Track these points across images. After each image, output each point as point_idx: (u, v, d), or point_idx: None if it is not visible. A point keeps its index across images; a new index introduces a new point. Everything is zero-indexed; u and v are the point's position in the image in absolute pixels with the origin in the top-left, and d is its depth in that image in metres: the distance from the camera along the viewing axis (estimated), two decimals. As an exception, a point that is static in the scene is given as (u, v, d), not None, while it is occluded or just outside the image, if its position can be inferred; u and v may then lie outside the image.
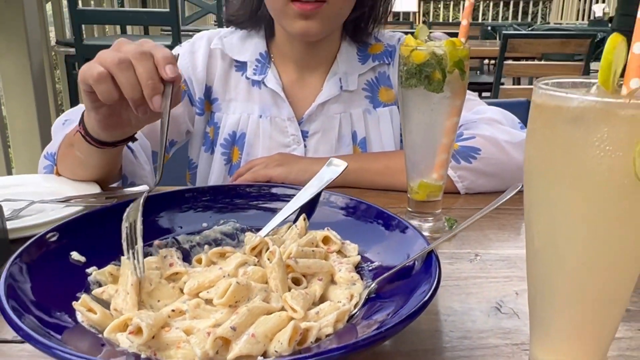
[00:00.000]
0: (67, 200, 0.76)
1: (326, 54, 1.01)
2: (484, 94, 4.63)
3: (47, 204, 0.76)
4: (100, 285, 0.50)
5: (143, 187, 0.79)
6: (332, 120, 1.00)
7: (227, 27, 1.03)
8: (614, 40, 0.36)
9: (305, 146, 0.99)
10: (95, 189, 0.82)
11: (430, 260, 0.48)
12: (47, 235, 0.53)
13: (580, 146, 0.31)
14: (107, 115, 0.69)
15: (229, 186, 0.66)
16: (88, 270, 0.52)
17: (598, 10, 7.61)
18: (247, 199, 0.65)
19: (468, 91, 1.00)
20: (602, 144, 0.31)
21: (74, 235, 0.55)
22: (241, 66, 1.01)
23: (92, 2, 2.93)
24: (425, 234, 0.73)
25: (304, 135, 1.00)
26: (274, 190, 0.66)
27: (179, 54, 0.76)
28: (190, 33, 3.66)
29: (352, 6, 0.95)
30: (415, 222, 0.74)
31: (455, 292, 0.59)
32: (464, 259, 0.67)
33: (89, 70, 0.62)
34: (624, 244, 0.33)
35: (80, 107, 0.89)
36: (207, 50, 1.01)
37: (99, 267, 0.53)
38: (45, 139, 2.25)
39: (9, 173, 2.15)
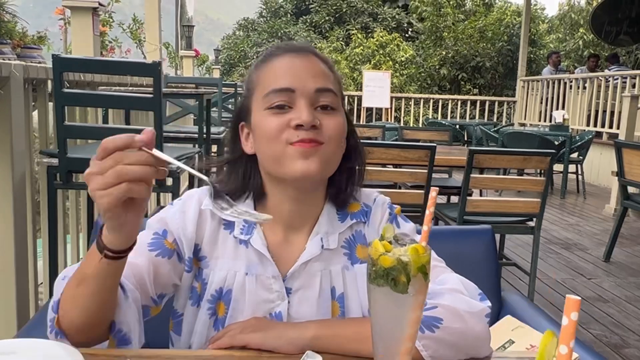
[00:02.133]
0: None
1: (311, 214, 1.09)
2: (452, 199, 4.82)
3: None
4: None
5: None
6: (314, 277, 1.07)
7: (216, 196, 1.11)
8: (547, 339, 0.44)
9: (288, 302, 1.04)
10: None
11: None
12: None
13: None
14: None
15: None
16: None
17: (558, 116, 8.09)
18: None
19: (435, 256, 1.10)
20: None
21: None
22: (229, 225, 1.08)
23: (78, 114, 3.04)
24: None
25: (288, 291, 1.05)
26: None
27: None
28: (171, 134, 3.79)
29: (340, 156, 1.05)
30: (382, 401, 0.80)
31: None
32: None
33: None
34: None
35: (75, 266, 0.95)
36: (197, 211, 1.07)
37: None
38: (20, 255, 2.27)
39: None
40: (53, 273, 2.47)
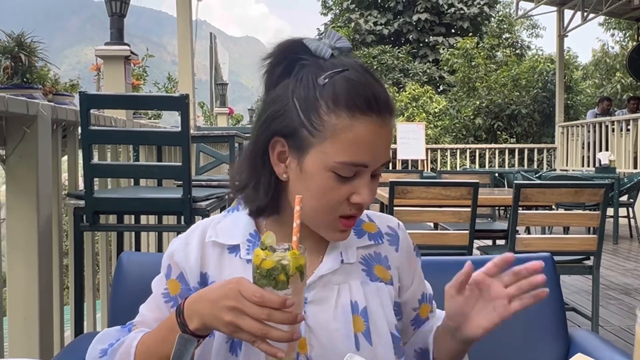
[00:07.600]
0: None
1: None
2: (498, 242, 4.54)
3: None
4: None
5: None
6: (331, 290, 1.00)
7: (255, 217, 1.05)
8: None
9: (304, 312, 0.95)
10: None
11: None
12: None
13: None
14: None
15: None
16: None
17: (603, 158, 7.78)
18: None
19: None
20: None
21: None
22: (233, 248, 1.02)
23: (109, 154, 3.00)
24: None
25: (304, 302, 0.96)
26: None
27: None
28: (203, 183, 3.71)
29: None
30: None
31: None
32: None
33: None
34: None
35: (110, 333, 1.00)
36: (201, 242, 1.02)
37: None
38: (44, 297, 2.15)
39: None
40: (78, 317, 2.35)
